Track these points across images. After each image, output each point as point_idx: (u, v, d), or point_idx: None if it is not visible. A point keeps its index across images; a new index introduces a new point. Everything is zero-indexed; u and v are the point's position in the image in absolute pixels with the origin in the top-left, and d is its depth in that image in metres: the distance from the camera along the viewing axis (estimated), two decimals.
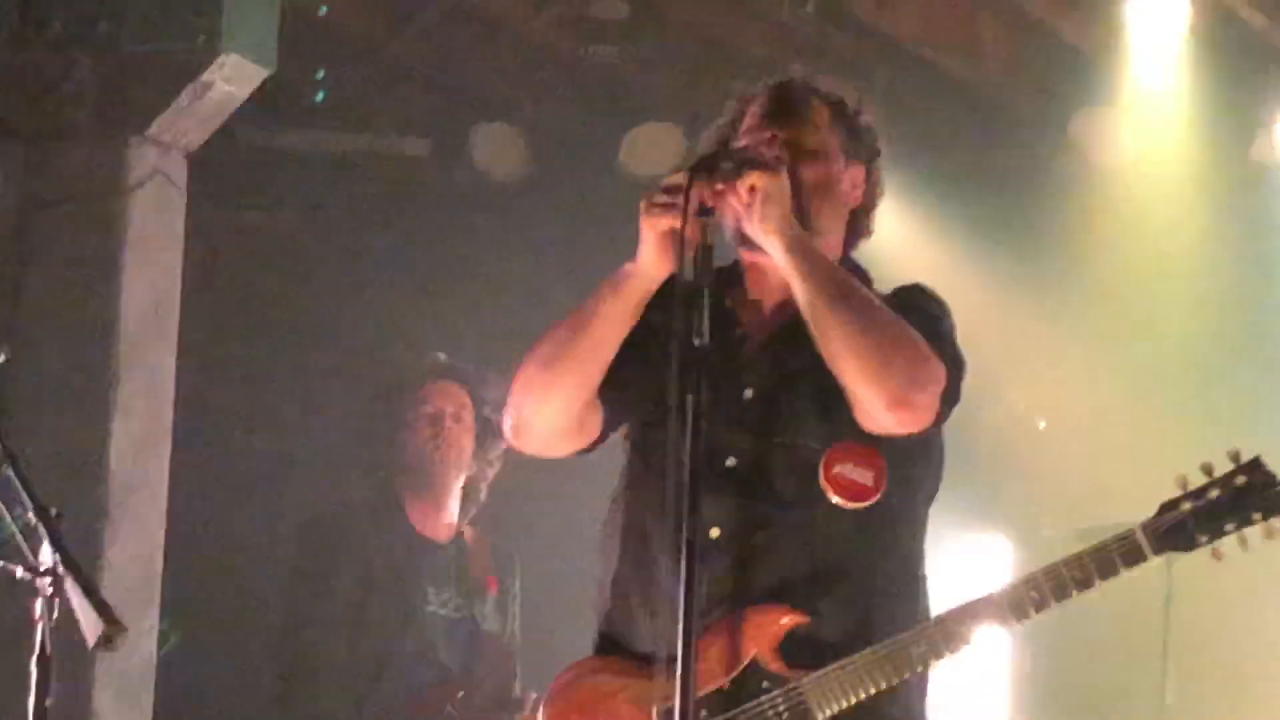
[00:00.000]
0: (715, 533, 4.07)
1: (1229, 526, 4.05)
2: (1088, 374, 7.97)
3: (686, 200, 4.01)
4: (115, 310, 6.08)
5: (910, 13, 7.60)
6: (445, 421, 6.82)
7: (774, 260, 4.13)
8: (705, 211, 3.94)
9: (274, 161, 7.99)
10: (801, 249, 4.03)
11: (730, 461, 4.13)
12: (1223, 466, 4.06)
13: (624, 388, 4.36)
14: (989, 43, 8.11)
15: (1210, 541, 4.04)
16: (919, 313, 4.19)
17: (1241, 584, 7.08)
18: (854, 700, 4.03)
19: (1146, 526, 4.05)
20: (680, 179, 3.97)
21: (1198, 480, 4.06)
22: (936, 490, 4.34)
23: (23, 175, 6.26)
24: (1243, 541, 4.04)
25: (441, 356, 7.06)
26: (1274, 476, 4.08)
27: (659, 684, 3.91)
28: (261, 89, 6.28)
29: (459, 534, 6.78)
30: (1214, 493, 4.07)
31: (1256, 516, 4.03)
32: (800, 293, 4.03)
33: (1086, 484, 7.50)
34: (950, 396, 4.17)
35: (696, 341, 3.84)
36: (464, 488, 6.75)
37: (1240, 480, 4.06)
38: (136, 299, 6.19)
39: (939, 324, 4.25)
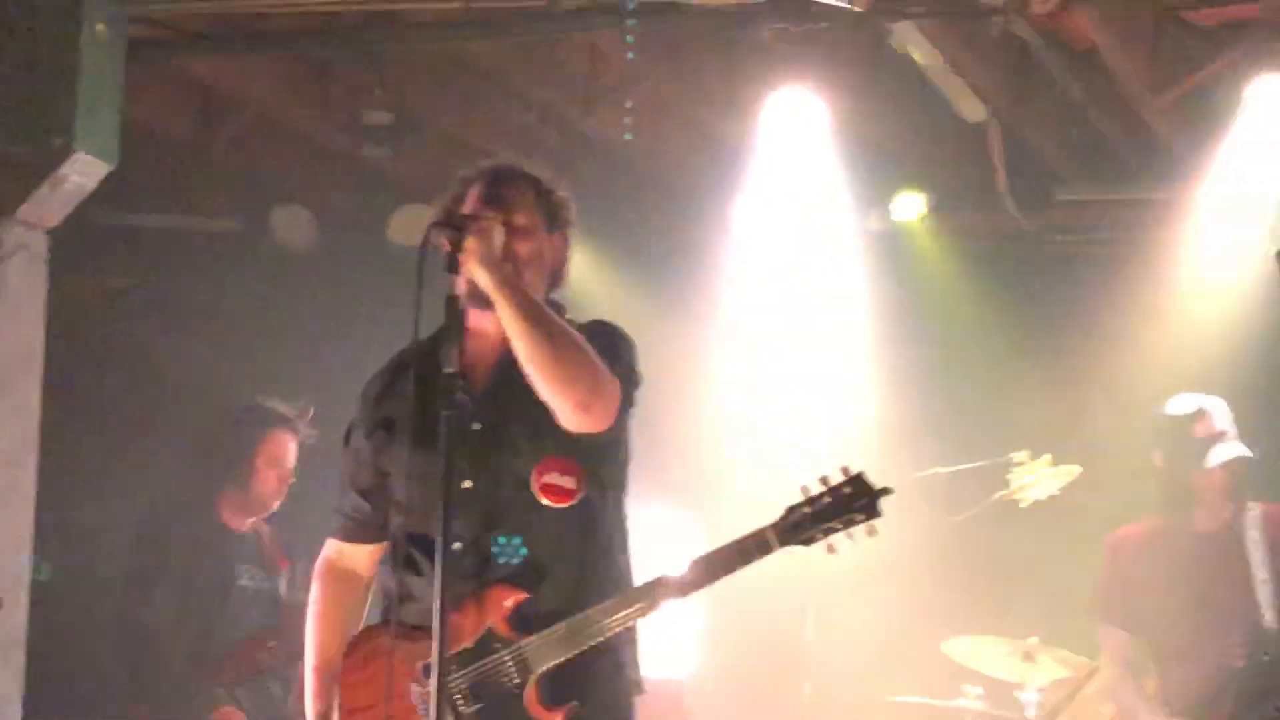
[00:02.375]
0: (458, 546, 4.11)
1: (838, 525, 4.13)
2: (736, 384, 7.98)
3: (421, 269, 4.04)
4: None
5: (612, 119, 7.29)
6: (287, 476, 6.80)
7: (492, 307, 4.18)
8: (451, 267, 4.05)
9: (121, 237, 7.89)
10: (509, 285, 4.12)
11: (467, 483, 4.17)
12: (836, 478, 4.14)
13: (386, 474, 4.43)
14: (670, 143, 8.04)
15: (824, 537, 4.12)
16: (600, 338, 4.28)
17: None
18: (565, 656, 4.16)
19: (775, 525, 4.15)
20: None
21: (816, 489, 4.16)
22: (626, 486, 4.41)
23: None
24: (850, 537, 4.13)
25: (279, 406, 6.99)
26: (872, 487, 4.14)
27: (421, 646, 4.02)
28: (106, 178, 5.98)
29: (256, 527, 6.81)
30: (826, 499, 4.14)
31: (859, 518, 4.12)
32: (507, 320, 4.12)
33: (749, 473, 7.39)
34: (625, 403, 4.29)
35: (448, 369, 3.95)
36: None
37: (847, 490, 4.14)
38: (9, 347, 5.88)
39: (616, 347, 4.34)
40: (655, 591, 4.19)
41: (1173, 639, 6.35)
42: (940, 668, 6.98)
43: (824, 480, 4.14)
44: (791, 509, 4.14)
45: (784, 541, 4.12)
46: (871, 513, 4.11)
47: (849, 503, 4.13)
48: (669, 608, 4.23)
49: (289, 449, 6.90)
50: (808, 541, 4.15)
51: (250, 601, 6.80)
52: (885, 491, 4.13)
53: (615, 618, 4.18)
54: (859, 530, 4.14)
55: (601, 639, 4.19)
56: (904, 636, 7.55)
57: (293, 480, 6.91)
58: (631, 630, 4.31)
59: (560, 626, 4.19)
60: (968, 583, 7.52)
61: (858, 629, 7.72)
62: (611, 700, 4.32)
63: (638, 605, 4.20)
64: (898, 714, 7.17)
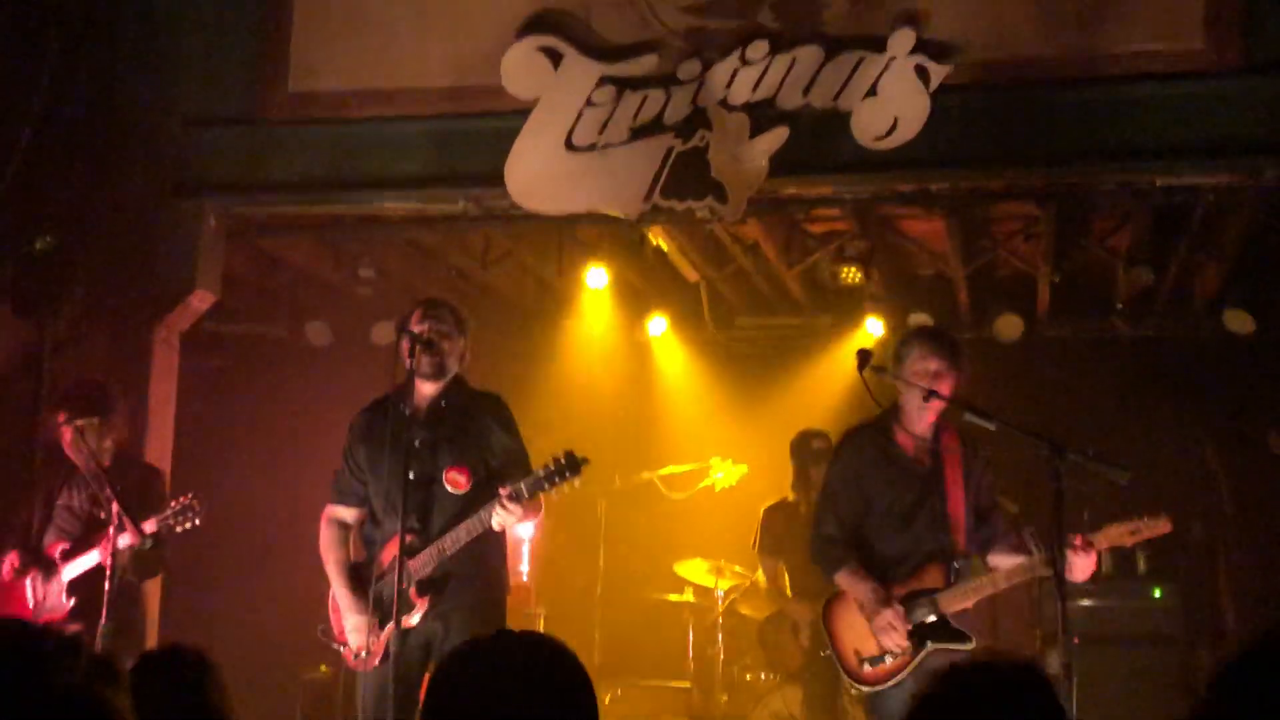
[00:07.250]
0: (409, 513, 4.21)
1: (558, 481, 4.23)
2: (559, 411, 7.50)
3: (403, 348, 4.31)
4: (147, 390, 5.78)
5: (496, 273, 7.43)
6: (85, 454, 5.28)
7: (430, 379, 4.38)
8: (411, 353, 4.34)
9: (218, 337, 7.54)
10: (531, 512, 4.32)
11: (411, 475, 4.24)
12: (558, 456, 4.22)
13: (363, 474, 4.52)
14: (526, 286, 8.00)
15: (551, 489, 4.23)
16: (504, 417, 4.56)
17: None
18: (454, 550, 4.29)
19: (521, 484, 4.24)
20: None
21: (547, 463, 4.24)
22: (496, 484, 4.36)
23: (111, 348, 5.82)
24: (572, 488, 4.22)
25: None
26: (576, 459, 4.19)
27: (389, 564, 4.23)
28: (212, 304, 6.03)
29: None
30: (552, 465, 4.25)
31: (569, 476, 4.22)
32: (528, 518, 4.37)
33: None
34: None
35: (405, 411, 4.34)
36: None
37: (563, 462, 4.24)
38: (158, 394, 5.87)
39: (513, 424, 4.58)
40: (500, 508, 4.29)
41: (796, 559, 6.48)
42: (671, 577, 7.19)
43: (553, 457, 4.25)
44: (539, 470, 4.28)
45: (530, 494, 4.23)
46: (576, 474, 4.20)
47: (564, 469, 4.22)
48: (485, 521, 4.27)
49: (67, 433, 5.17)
50: (541, 491, 4.21)
51: None
52: (584, 460, 4.20)
53: (463, 529, 4.32)
54: (573, 482, 4.20)
55: (460, 547, 4.29)
56: (653, 561, 7.49)
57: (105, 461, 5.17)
58: (502, 554, 4.45)
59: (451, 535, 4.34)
60: (688, 532, 7.50)
61: (627, 557, 7.64)
62: (489, 596, 4.46)
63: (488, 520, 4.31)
64: (648, 605, 7.21)
